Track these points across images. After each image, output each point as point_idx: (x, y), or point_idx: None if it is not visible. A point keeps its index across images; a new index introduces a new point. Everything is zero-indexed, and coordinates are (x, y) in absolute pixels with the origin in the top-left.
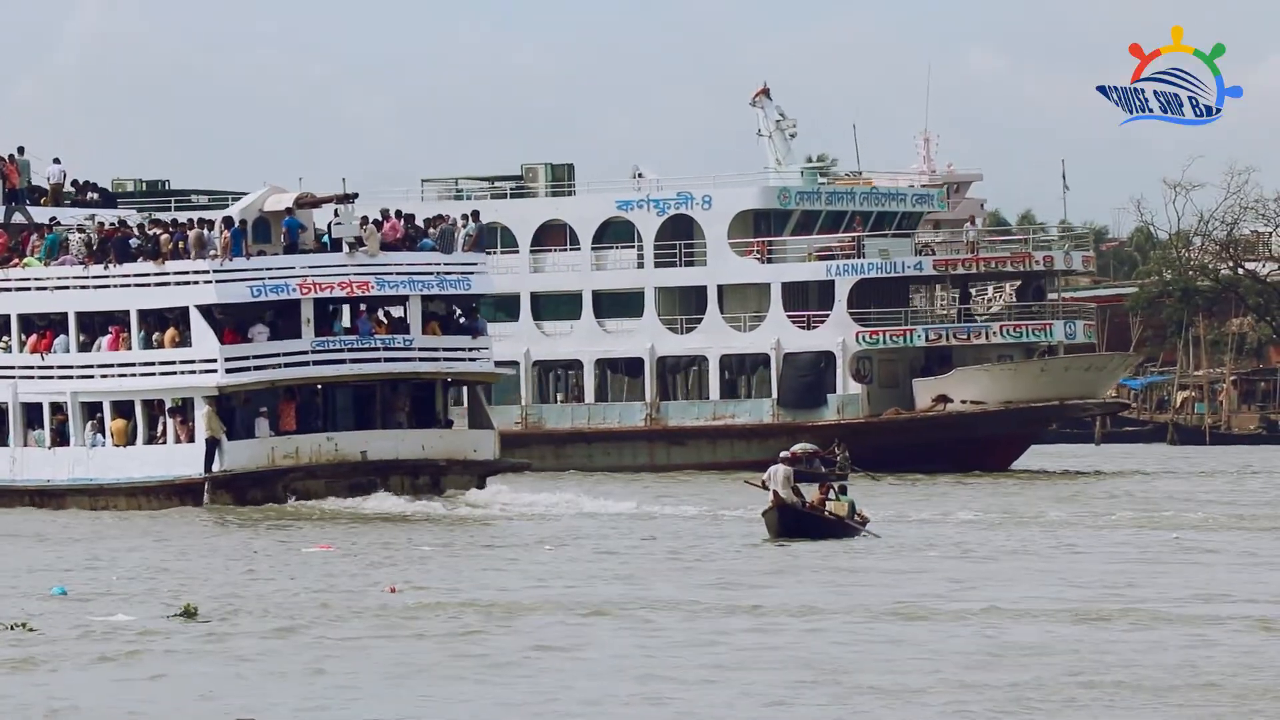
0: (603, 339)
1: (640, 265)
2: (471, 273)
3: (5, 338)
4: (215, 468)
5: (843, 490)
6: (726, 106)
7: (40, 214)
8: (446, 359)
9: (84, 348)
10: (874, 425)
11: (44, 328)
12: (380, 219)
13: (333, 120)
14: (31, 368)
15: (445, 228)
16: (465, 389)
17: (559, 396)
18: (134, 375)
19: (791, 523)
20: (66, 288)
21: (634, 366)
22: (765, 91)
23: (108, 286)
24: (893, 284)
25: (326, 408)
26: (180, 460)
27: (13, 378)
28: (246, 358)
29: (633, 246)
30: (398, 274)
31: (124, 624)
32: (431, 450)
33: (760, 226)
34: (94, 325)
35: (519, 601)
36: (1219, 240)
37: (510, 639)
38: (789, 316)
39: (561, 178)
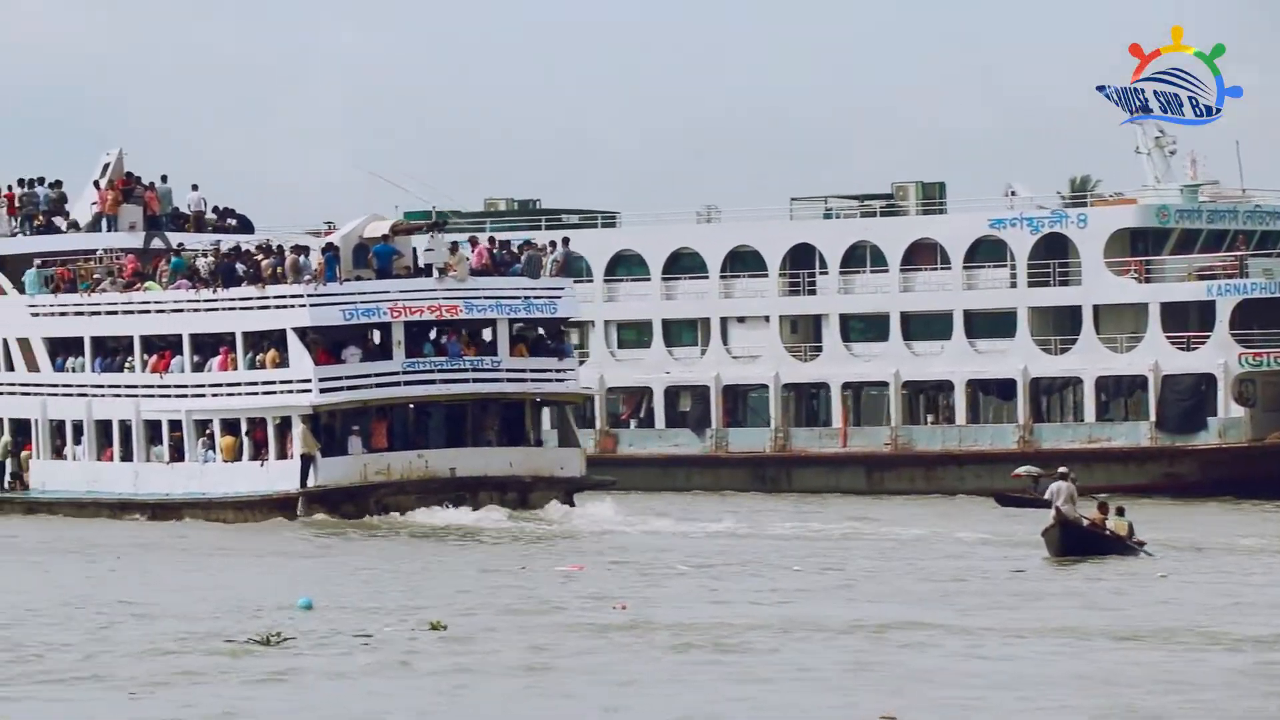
0: (974, 359)
1: (1013, 284)
2: (558, 297)
3: (130, 358)
4: (310, 483)
5: (1120, 511)
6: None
7: (185, 240)
8: (534, 380)
9: (197, 368)
10: (1258, 450)
11: (163, 349)
12: (470, 245)
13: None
14: (151, 386)
15: (532, 254)
16: (553, 409)
17: (929, 418)
18: (239, 394)
19: (1074, 541)
20: (181, 311)
21: (1006, 388)
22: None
23: (216, 309)
24: (1278, 305)
25: (419, 426)
26: (280, 475)
27: (136, 396)
28: (340, 378)
29: (1005, 265)
30: (485, 298)
31: (381, 638)
32: (519, 467)
33: (1138, 246)
34: (206, 346)
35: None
36: None
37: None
38: (1168, 338)
39: (933, 196)
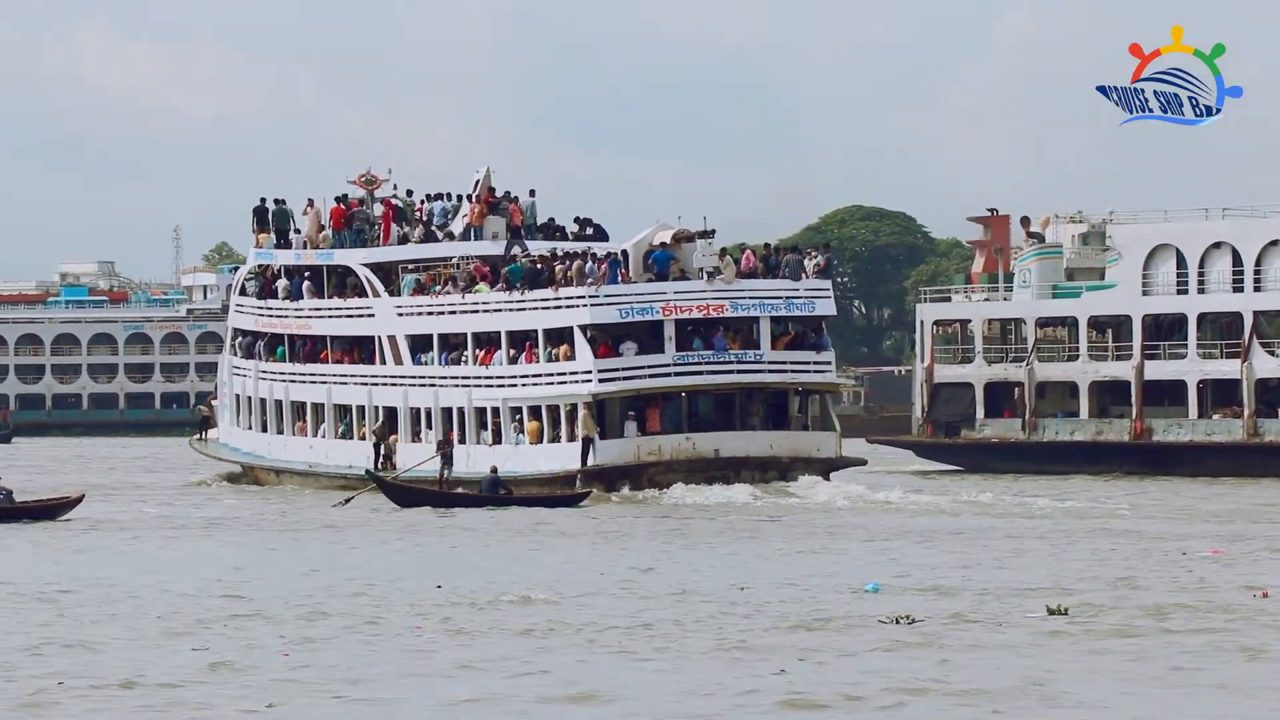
0: None
1: None
2: (817, 297)
3: (466, 353)
4: (589, 462)
5: None
6: None
7: (541, 247)
8: (793, 371)
9: (513, 361)
10: None
11: (489, 344)
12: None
13: None
14: (480, 378)
15: (792, 258)
16: (813, 397)
17: None
18: (540, 385)
19: None
20: (500, 311)
21: None
22: None
23: (525, 309)
24: None
25: (691, 413)
26: (569, 456)
27: (469, 386)
28: (617, 369)
29: None
30: (750, 298)
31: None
32: (779, 449)
33: None
34: (519, 342)
35: None
36: None
37: None
38: None
39: None
